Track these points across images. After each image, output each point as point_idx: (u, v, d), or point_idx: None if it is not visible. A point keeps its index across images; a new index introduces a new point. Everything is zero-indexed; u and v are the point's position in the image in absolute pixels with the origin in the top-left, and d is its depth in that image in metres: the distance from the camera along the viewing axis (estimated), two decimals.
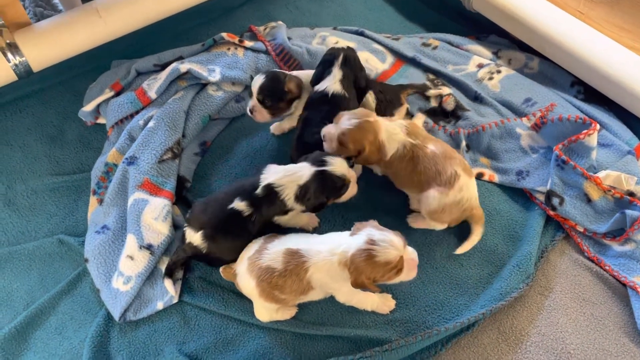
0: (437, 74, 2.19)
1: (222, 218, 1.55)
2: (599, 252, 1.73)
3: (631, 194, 1.75)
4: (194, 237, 1.56)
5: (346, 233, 1.47)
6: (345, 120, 1.63)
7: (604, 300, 1.64)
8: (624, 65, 1.94)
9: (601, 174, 1.79)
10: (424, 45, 2.30)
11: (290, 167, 1.59)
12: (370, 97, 1.89)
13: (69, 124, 2.08)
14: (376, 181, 1.84)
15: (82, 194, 1.89)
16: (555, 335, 1.57)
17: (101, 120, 2.07)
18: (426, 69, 2.21)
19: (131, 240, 1.66)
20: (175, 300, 1.60)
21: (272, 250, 1.48)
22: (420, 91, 2.08)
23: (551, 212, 1.77)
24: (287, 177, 1.56)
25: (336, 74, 1.79)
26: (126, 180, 1.82)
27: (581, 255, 1.74)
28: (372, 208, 1.80)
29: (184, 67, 2.02)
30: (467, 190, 1.64)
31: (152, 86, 2.02)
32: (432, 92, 2.07)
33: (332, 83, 1.78)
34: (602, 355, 1.53)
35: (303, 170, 1.56)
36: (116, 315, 1.58)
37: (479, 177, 1.89)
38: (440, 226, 1.72)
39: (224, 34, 2.20)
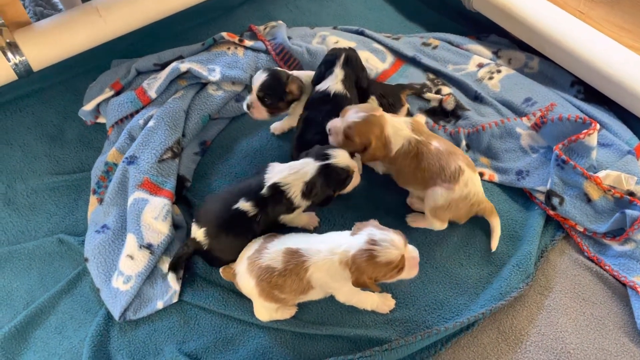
0: (437, 73, 2.19)
1: (226, 217, 1.55)
2: (599, 252, 1.73)
3: (631, 193, 1.75)
4: (198, 232, 1.57)
5: (346, 232, 1.47)
6: (352, 114, 1.63)
7: (603, 300, 1.64)
8: (624, 65, 1.93)
9: (601, 174, 1.79)
10: (424, 45, 2.30)
11: (294, 164, 1.59)
12: (374, 103, 1.89)
13: (69, 123, 2.08)
14: (377, 180, 1.84)
15: (82, 193, 1.89)
16: (555, 335, 1.57)
17: (101, 120, 2.07)
18: (426, 69, 2.21)
19: (131, 239, 1.66)
20: (176, 300, 1.60)
21: (272, 250, 1.47)
22: (417, 93, 2.08)
23: (551, 212, 1.77)
24: (292, 174, 1.56)
25: (338, 73, 1.78)
26: (126, 179, 1.82)
27: (581, 255, 1.74)
28: (372, 207, 1.80)
29: (184, 66, 2.02)
30: (472, 184, 1.64)
31: (152, 85, 2.02)
32: (429, 95, 2.08)
33: (334, 83, 1.77)
34: (601, 355, 1.53)
35: (307, 167, 1.57)
36: (116, 314, 1.58)
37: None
38: (439, 225, 1.71)
39: (224, 34, 2.20)
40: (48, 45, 2.02)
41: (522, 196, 1.86)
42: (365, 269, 1.37)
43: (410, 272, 1.43)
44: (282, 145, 1.97)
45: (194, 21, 2.42)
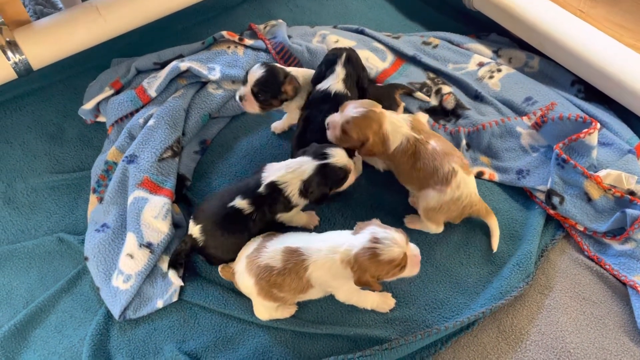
0: (438, 72, 2.18)
1: (221, 215, 1.55)
2: (599, 251, 1.73)
3: (631, 192, 1.75)
4: (194, 229, 1.58)
5: (346, 232, 1.47)
6: (351, 109, 1.63)
7: (604, 299, 1.64)
8: (624, 64, 1.93)
9: (601, 173, 1.78)
10: (424, 44, 2.29)
11: (291, 162, 1.59)
12: None
13: (69, 122, 2.08)
14: (377, 180, 1.84)
15: (82, 192, 1.89)
16: (555, 334, 1.57)
17: (101, 119, 2.07)
18: (426, 68, 2.21)
19: (131, 238, 1.66)
20: (176, 299, 1.60)
21: (271, 249, 1.47)
22: (408, 92, 2.08)
23: (551, 211, 1.76)
24: (290, 173, 1.56)
25: (339, 72, 1.78)
26: (126, 178, 1.81)
27: (581, 254, 1.74)
28: (372, 207, 1.80)
29: (184, 65, 2.02)
30: (465, 186, 1.63)
31: (152, 84, 2.02)
32: (418, 94, 2.07)
33: (335, 82, 1.77)
34: (601, 354, 1.53)
35: (305, 165, 1.56)
36: (116, 313, 1.58)
37: (479, 175, 1.89)
38: (435, 229, 1.71)
39: (224, 32, 2.19)
40: (48, 44, 2.02)
41: (522, 195, 1.86)
42: (368, 267, 1.37)
43: (412, 270, 1.43)
44: (282, 144, 1.97)
45: (194, 20, 2.42)
